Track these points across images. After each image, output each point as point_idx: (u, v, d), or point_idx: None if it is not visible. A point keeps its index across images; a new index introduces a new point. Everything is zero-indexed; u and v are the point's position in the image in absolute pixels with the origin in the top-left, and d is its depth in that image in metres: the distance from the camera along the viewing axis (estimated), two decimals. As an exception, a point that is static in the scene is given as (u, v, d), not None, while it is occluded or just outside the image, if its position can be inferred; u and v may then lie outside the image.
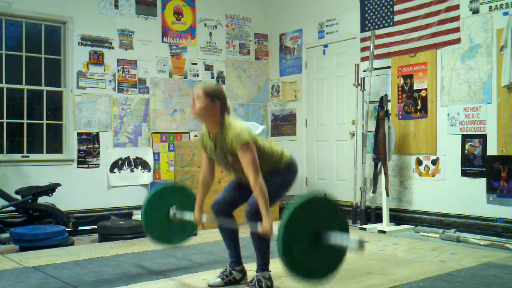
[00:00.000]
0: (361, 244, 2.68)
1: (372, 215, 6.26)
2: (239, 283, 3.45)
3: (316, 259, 2.80)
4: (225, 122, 3.22)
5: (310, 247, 2.76)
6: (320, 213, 2.82)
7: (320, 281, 2.88)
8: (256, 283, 3.22)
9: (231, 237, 3.45)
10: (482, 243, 4.96)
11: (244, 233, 3.43)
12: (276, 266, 3.35)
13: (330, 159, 7.40)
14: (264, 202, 3.03)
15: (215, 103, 3.21)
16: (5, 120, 6.17)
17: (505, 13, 5.34)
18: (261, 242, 3.21)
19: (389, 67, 6.48)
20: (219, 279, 3.43)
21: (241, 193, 3.40)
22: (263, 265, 3.25)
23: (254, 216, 3.11)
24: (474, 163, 5.59)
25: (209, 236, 5.22)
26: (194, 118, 3.35)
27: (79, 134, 6.57)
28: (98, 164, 6.70)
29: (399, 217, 6.22)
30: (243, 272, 3.49)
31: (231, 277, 3.44)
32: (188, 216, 3.61)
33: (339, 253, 2.88)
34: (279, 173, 3.30)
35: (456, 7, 5.75)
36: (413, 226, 5.94)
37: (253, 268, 3.31)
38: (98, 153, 6.70)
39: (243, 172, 3.15)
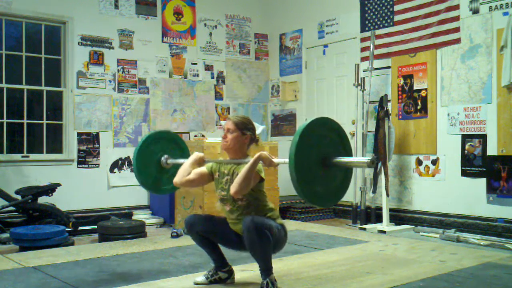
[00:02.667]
0: (372, 161, 2.73)
1: (372, 215, 6.26)
2: (225, 283, 3.48)
3: (326, 182, 2.88)
4: (248, 155, 3.34)
5: (320, 172, 2.82)
6: (324, 136, 2.87)
7: (330, 202, 3.07)
8: None
9: (209, 245, 3.44)
10: (482, 243, 4.95)
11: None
12: (275, 266, 3.35)
13: (330, 159, 7.39)
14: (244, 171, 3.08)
15: (246, 135, 3.31)
16: (5, 120, 6.17)
17: (505, 13, 5.34)
18: (262, 250, 3.14)
19: (389, 67, 6.48)
20: (203, 278, 3.48)
21: (221, 229, 3.38)
22: (267, 270, 3.19)
23: (262, 226, 3.09)
24: (474, 163, 5.59)
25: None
26: (223, 150, 3.39)
27: (79, 134, 6.57)
28: (98, 164, 6.70)
29: (399, 217, 6.22)
30: (230, 272, 3.50)
31: (216, 277, 3.47)
32: (181, 160, 3.66)
33: (346, 173, 3.01)
34: (280, 224, 3.29)
35: (456, 7, 5.75)
36: (413, 226, 5.93)
37: (253, 268, 3.29)
38: (98, 153, 6.70)
39: (237, 207, 3.25)
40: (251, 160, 3.09)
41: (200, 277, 3.51)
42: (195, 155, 3.49)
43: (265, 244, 3.10)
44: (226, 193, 3.30)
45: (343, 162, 2.86)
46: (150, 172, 3.77)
